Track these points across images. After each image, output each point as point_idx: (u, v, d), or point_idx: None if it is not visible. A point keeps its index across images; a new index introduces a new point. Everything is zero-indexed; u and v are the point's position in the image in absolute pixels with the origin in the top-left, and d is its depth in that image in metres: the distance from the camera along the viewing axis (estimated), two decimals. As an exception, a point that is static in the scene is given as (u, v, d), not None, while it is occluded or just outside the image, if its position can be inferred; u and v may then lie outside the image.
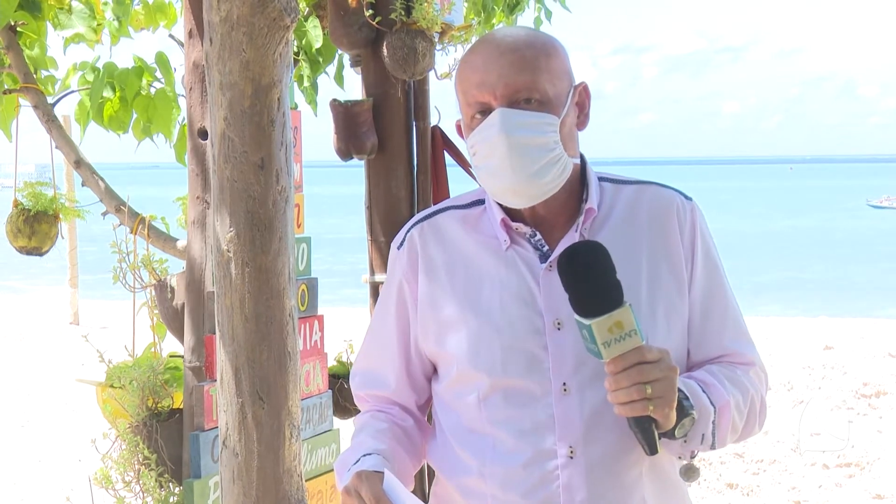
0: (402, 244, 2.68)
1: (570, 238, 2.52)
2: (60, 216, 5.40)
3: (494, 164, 2.46)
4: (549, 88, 2.48)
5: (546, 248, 2.53)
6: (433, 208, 2.73)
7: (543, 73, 2.47)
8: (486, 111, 2.48)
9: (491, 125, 2.45)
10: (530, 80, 2.46)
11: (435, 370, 2.69)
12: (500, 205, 2.57)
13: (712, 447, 2.51)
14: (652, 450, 2.36)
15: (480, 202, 2.65)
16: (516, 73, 2.46)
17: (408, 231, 2.69)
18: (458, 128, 2.64)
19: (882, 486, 8.38)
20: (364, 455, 2.56)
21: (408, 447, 2.68)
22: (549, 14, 7.11)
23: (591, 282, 2.30)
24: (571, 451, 2.46)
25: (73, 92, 5.34)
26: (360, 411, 2.81)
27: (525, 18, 6.92)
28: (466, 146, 2.55)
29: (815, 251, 39.02)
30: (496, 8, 6.49)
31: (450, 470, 2.62)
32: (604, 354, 2.29)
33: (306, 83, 5.63)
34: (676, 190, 2.66)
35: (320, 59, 5.61)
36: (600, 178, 2.61)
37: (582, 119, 2.59)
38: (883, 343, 13.95)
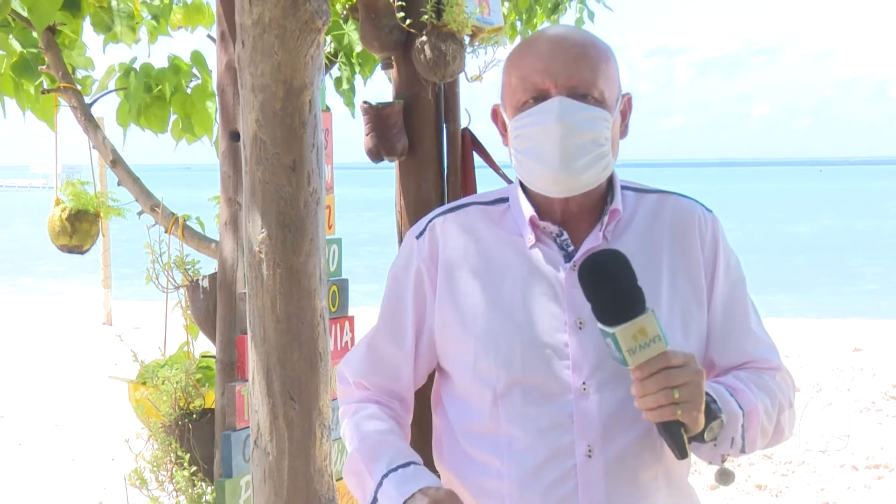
0: (422, 234, 2.65)
1: (594, 238, 2.52)
2: (101, 214, 5.44)
3: (543, 148, 2.45)
4: (606, 90, 2.49)
5: (571, 247, 2.53)
6: (456, 203, 2.71)
7: (602, 74, 2.49)
8: (541, 98, 2.47)
9: (548, 111, 2.44)
10: (592, 78, 2.47)
11: (439, 365, 2.67)
12: (531, 202, 2.57)
13: (742, 451, 2.49)
14: (682, 454, 2.35)
15: (504, 200, 2.65)
16: (580, 69, 2.47)
17: (429, 222, 2.67)
18: (495, 112, 2.63)
19: (911, 488, 8.35)
20: (412, 463, 2.55)
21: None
22: (591, 14, 7.06)
23: (612, 290, 2.30)
24: (590, 450, 2.45)
25: (111, 92, 5.37)
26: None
27: (566, 19, 6.89)
28: (510, 128, 2.53)
29: (845, 253, 38.82)
30: (538, 8, 6.49)
31: (463, 471, 2.60)
32: (629, 361, 2.28)
33: (345, 85, 5.64)
34: (697, 201, 2.68)
35: (360, 62, 5.62)
36: (623, 187, 2.62)
37: (623, 128, 2.61)
38: (913, 345, 13.90)
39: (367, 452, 2.60)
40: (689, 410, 2.30)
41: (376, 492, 2.53)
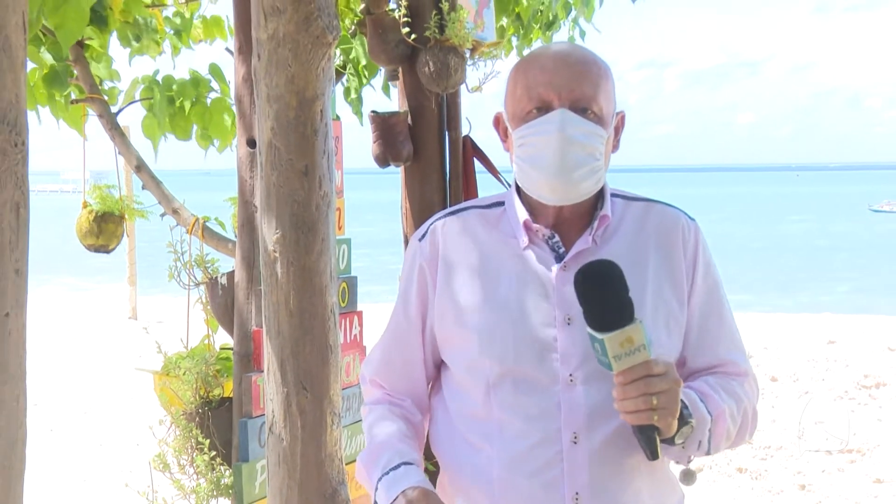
0: (424, 236, 2.66)
1: (584, 242, 2.53)
2: (126, 216, 5.45)
3: (545, 156, 2.46)
4: (604, 106, 2.50)
5: (562, 249, 2.55)
6: (456, 207, 2.73)
7: (602, 91, 2.50)
8: (544, 109, 2.47)
9: (551, 121, 2.45)
10: (592, 94, 2.48)
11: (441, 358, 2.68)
12: (525, 207, 2.58)
13: (707, 453, 2.52)
14: (653, 455, 2.37)
15: (500, 204, 2.66)
16: (583, 84, 2.47)
17: (430, 225, 2.68)
18: (497, 119, 2.63)
19: (881, 471, 8.34)
20: (404, 463, 2.55)
21: (420, 448, 2.68)
22: (583, 34, 7.08)
23: (605, 299, 2.30)
24: (575, 437, 2.46)
25: (135, 102, 5.38)
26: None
27: (560, 36, 6.89)
28: (514, 137, 2.53)
29: (820, 252, 38.83)
30: (534, 25, 6.49)
31: (454, 455, 2.61)
32: (614, 367, 2.29)
33: (353, 95, 5.66)
34: (681, 210, 2.68)
35: (366, 73, 5.64)
36: (612, 194, 2.63)
37: (615, 143, 2.61)
38: (883, 337, 13.86)
39: (370, 458, 2.62)
40: (665, 416, 2.32)
41: (375, 496, 2.55)
